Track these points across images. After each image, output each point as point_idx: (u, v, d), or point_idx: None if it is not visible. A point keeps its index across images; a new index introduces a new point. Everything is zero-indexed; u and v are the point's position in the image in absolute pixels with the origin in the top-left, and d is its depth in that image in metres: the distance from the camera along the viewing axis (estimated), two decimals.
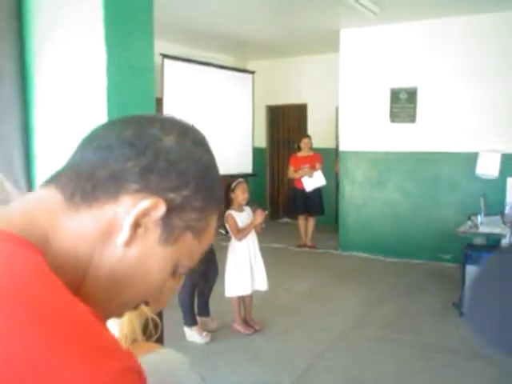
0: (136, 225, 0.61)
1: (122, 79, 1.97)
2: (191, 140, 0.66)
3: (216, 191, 0.69)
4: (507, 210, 5.77)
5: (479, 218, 4.93)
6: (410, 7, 6.02)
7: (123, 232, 0.60)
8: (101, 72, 1.91)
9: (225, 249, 4.40)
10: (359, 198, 7.29)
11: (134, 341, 1.15)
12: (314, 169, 7.36)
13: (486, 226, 4.89)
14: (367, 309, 5.00)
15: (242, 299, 4.42)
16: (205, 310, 4.48)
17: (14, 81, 2.01)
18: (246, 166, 8.20)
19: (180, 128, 0.67)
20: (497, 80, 6.22)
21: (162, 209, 0.61)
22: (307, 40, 7.79)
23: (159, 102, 6.27)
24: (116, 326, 1.11)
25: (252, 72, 8.42)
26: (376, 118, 7.07)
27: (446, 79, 6.54)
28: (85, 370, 0.47)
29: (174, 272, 0.67)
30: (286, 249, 7.59)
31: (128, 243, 0.61)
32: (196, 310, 4.39)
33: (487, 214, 5.02)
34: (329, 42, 7.56)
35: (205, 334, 4.24)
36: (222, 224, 4.22)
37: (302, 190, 7.39)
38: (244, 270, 4.23)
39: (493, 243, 4.98)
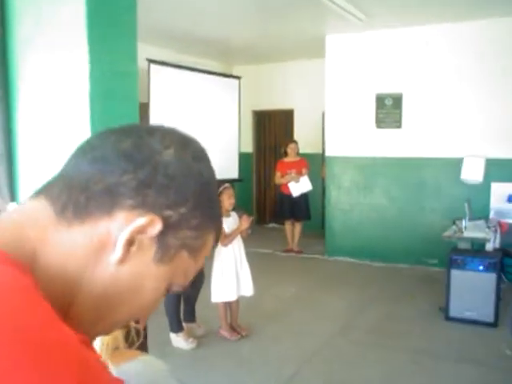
0: (130, 242, 0.58)
1: (105, 84, 1.96)
2: (191, 154, 0.64)
3: (215, 208, 0.66)
4: (491, 214, 5.84)
5: (464, 222, 4.97)
6: (395, 14, 6.09)
7: (117, 250, 0.58)
8: (84, 77, 1.90)
9: (211, 254, 4.37)
10: (345, 203, 7.31)
11: (116, 348, 1.13)
12: (300, 174, 7.37)
13: (470, 230, 4.93)
14: (354, 313, 5.01)
15: (228, 305, 4.41)
16: (191, 316, 4.46)
17: None
18: (233, 171, 8.20)
19: (180, 141, 0.64)
20: (481, 86, 6.29)
21: (158, 227, 0.59)
22: (293, 45, 7.83)
23: (145, 107, 6.26)
24: None
25: (238, 77, 8.44)
26: (362, 123, 7.11)
27: (430, 85, 6.61)
28: None
29: (168, 290, 0.65)
30: (272, 254, 7.59)
31: (121, 261, 0.58)
32: (182, 315, 4.36)
33: (472, 219, 5.06)
34: (315, 48, 7.60)
35: (191, 340, 4.22)
36: None
37: (289, 196, 7.39)
38: (230, 275, 4.22)
39: (477, 248, 5.02)
